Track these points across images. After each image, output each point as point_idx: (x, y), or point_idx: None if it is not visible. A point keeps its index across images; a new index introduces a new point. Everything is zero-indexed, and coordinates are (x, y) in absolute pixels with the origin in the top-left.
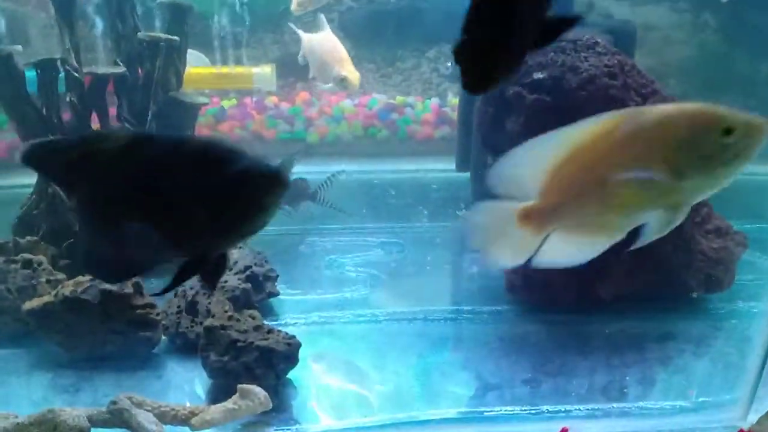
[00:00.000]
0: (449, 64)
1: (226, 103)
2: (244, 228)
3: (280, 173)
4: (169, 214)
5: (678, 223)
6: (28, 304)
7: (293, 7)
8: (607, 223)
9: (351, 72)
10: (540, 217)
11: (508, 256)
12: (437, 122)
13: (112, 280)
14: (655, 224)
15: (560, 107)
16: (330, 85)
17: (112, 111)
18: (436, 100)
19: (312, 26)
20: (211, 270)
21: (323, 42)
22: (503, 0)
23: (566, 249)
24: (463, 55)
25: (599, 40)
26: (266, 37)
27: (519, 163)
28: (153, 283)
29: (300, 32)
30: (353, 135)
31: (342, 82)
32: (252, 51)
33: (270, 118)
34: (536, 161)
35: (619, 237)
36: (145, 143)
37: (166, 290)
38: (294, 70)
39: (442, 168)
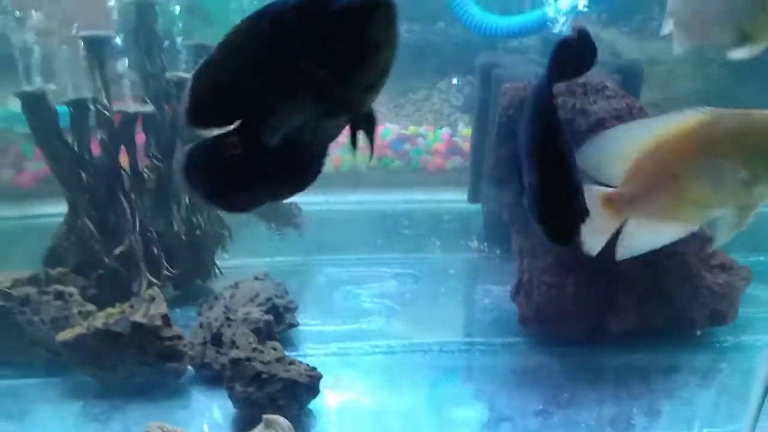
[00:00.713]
0: (459, 95)
1: None
2: (361, 72)
3: (386, 3)
4: (296, 82)
5: (744, 226)
6: (62, 336)
7: None
8: (681, 216)
9: None
10: (621, 203)
11: (589, 239)
12: (448, 152)
13: None
14: (724, 226)
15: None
16: None
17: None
18: (447, 129)
19: None
20: (365, 129)
21: None
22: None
23: (642, 235)
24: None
25: (608, 84)
26: None
27: (606, 150)
28: (177, 313)
29: None
30: (368, 165)
31: None
32: None
33: None
34: (622, 149)
35: (692, 229)
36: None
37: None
38: None
39: (454, 198)
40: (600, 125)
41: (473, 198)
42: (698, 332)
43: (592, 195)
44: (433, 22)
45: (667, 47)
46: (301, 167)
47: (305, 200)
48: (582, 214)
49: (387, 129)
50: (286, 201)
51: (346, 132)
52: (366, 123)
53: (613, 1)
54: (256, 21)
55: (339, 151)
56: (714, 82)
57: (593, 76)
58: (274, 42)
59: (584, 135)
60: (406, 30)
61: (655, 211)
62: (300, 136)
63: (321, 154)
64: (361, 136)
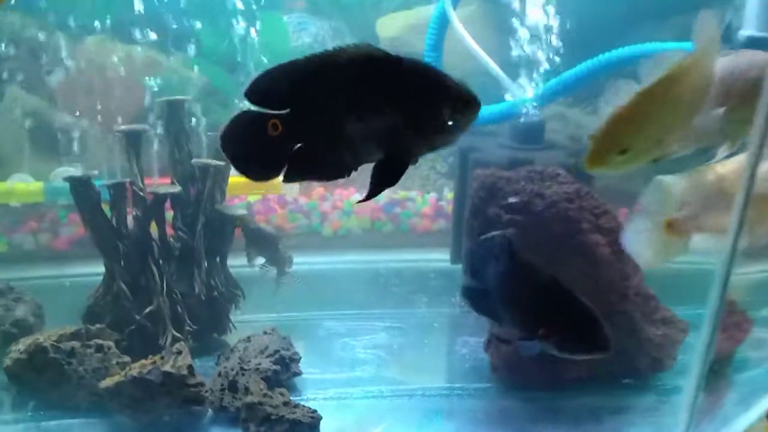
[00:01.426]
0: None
1: (251, 198)
2: (437, 142)
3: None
4: (380, 121)
5: None
6: (104, 383)
7: None
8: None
9: None
10: (682, 226)
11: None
12: (435, 215)
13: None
14: None
15: (529, 225)
16: None
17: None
18: (434, 194)
19: None
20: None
21: None
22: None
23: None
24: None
25: (560, 172)
26: None
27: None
28: (198, 363)
29: None
30: (362, 228)
31: None
32: None
33: (291, 212)
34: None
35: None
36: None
37: (368, 197)
38: None
39: (439, 258)
40: (553, 206)
41: (454, 259)
42: (626, 381)
43: (656, 223)
44: None
45: None
46: (328, 167)
47: (306, 260)
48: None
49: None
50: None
51: (342, 197)
52: (396, 162)
53: (574, 89)
54: (359, 58)
55: (337, 216)
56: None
57: (548, 165)
58: (366, 78)
59: (541, 214)
60: None
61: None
62: (339, 144)
63: (350, 166)
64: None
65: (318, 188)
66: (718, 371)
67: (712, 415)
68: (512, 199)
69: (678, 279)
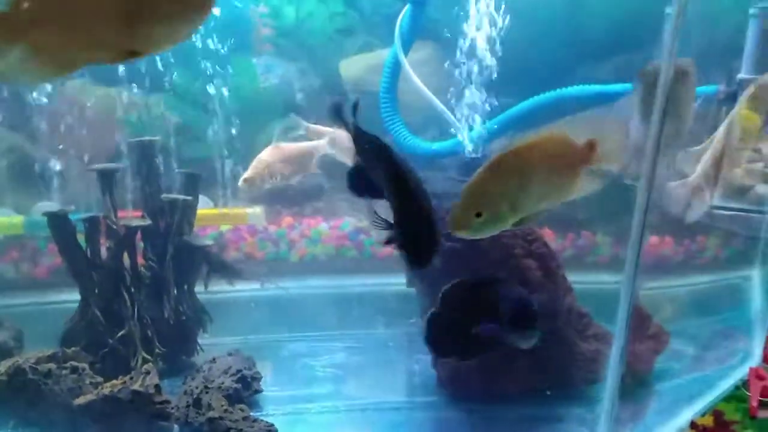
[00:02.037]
0: None
1: (223, 227)
2: None
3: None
4: None
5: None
6: (78, 401)
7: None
8: (67, 54)
9: None
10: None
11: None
12: None
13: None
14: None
15: (468, 252)
16: None
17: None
18: None
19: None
20: None
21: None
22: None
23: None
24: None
25: None
26: None
27: None
28: (166, 383)
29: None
30: (327, 255)
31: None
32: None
33: (260, 240)
34: None
35: (72, 70)
36: None
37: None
38: (280, 199)
39: (398, 282)
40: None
41: (410, 283)
42: (548, 392)
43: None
44: (384, 136)
45: None
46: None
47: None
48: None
49: (346, 222)
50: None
51: (309, 226)
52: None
53: (515, 127)
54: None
55: (304, 243)
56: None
57: None
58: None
59: (478, 241)
60: None
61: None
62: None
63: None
64: None
65: (287, 218)
66: (640, 382)
67: (634, 423)
68: None
69: (611, 297)
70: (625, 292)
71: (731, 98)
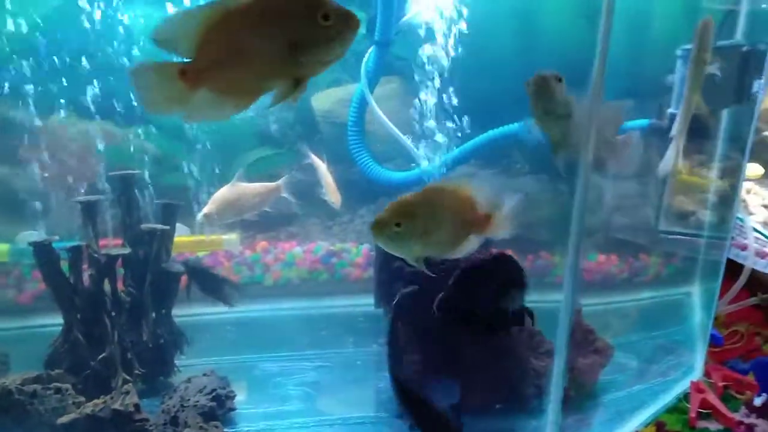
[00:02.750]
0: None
1: (201, 253)
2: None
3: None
4: None
5: (298, 95)
6: (61, 420)
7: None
8: (246, 88)
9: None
10: (194, 76)
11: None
12: (366, 265)
13: None
14: (277, 94)
15: (427, 276)
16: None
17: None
18: (367, 245)
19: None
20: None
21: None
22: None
23: (214, 106)
24: None
25: None
26: None
27: (175, 24)
28: (145, 402)
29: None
30: (300, 278)
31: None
32: None
33: (236, 264)
34: (189, 23)
35: (251, 101)
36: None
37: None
38: (255, 226)
39: (367, 303)
40: (447, 259)
41: (378, 304)
42: (497, 406)
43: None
44: (351, 164)
45: (527, 183)
46: None
47: (249, 308)
48: None
49: (319, 246)
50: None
51: (284, 250)
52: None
53: (476, 155)
54: None
55: (278, 267)
56: (561, 205)
57: None
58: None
59: (437, 266)
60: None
61: (228, 82)
62: None
63: None
64: None
65: (262, 242)
66: (586, 394)
67: None
68: None
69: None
70: (564, 309)
71: (663, 131)
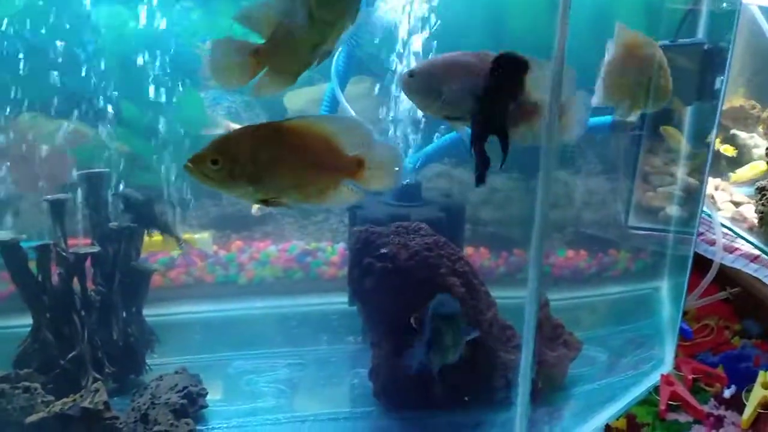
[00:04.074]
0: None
1: (175, 253)
2: None
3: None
4: None
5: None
6: (29, 419)
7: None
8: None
9: None
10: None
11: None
12: (341, 263)
13: None
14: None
15: (398, 271)
16: None
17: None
18: (342, 244)
19: None
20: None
21: None
22: None
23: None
24: None
25: (422, 226)
26: (207, 202)
27: (258, 10)
28: (116, 400)
29: None
30: (275, 276)
31: None
32: (196, 211)
33: (210, 264)
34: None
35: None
36: None
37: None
38: (229, 225)
39: (341, 301)
40: (416, 254)
41: (351, 302)
42: (466, 399)
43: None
44: None
45: (500, 181)
46: None
47: (223, 307)
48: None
49: (294, 245)
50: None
51: (259, 249)
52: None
53: (448, 152)
54: None
55: (252, 266)
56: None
57: (414, 221)
58: None
59: (406, 261)
60: None
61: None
62: None
63: None
64: None
65: (237, 242)
66: (556, 386)
67: (551, 425)
68: (383, 250)
69: None
70: (530, 302)
71: (638, 126)
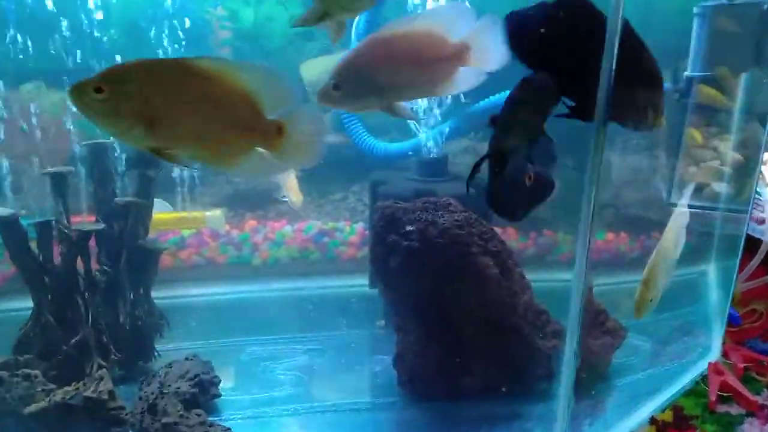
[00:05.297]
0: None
1: (185, 232)
2: None
3: None
4: None
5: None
6: (29, 408)
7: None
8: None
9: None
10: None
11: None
12: (360, 244)
13: None
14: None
15: (425, 250)
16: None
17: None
18: (361, 224)
19: None
20: None
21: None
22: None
23: None
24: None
25: (452, 201)
26: (220, 178)
27: None
28: (123, 389)
29: None
30: (290, 257)
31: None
32: (208, 189)
33: (222, 244)
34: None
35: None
36: None
37: None
38: (243, 203)
39: (360, 284)
40: (445, 232)
41: (372, 284)
42: (503, 389)
43: None
44: (345, 138)
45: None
46: None
47: (236, 289)
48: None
49: (310, 225)
50: None
51: (273, 229)
52: None
53: (474, 125)
54: None
55: (267, 246)
56: (565, 181)
57: (443, 196)
58: None
59: (435, 240)
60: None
61: None
62: None
63: None
64: None
65: (251, 221)
66: (598, 377)
67: (593, 418)
68: (409, 228)
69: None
70: (576, 288)
71: (684, 95)
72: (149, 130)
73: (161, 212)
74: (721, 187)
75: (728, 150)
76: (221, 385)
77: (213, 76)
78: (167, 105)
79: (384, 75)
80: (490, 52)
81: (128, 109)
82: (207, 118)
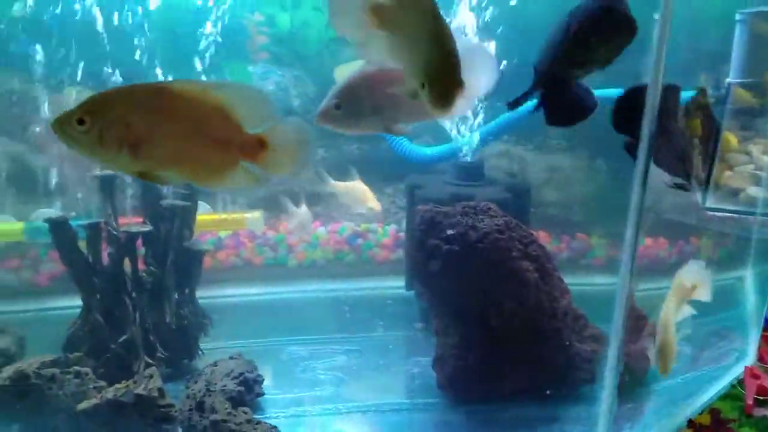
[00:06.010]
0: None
1: (222, 234)
2: None
3: None
4: None
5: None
6: (81, 406)
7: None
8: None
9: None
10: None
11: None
12: (394, 246)
13: None
14: None
15: (465, 254)
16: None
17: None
18: (394, 226)
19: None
20: None
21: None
22: None
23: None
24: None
25: (492, 206)
26: None
27: None
28: (169, 386)
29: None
30: (326, 259)
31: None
32: (246, 191)
33: (258, 246)
34: None
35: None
36: None
37: None
38: (278, 205)
39: (396, 286)
40: (486, 236)
41: (409, 286)
42: (548, 392)
43: None
44: (378, 142)
45: (563, 160)
46: None
47: (272, 290)
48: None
49: (343, 227)
50: None
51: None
52: None
53: (511, 130)
54: None
55: (302, 247)
56: (601, 186)
57: (482, 201)
58: None
59: (475, 244)
60: (357, 148)
61: None
62: None
63: None
64: None
65: (285, 223)
66: (637, 381)
67: (632, 422)
68: (450, 232)
69: (606, 299)
70: (620, 293)
71: (722, 102)
72: (134, 155)
73: (202, 214)
74: (757, 192)
75: (762, 154)
76: (264, 383)
77: (190, 96)
78: (149, 129)
79: (383, 96)
80: (479, 77)
81: (111, 136)
82: (188, 137)
